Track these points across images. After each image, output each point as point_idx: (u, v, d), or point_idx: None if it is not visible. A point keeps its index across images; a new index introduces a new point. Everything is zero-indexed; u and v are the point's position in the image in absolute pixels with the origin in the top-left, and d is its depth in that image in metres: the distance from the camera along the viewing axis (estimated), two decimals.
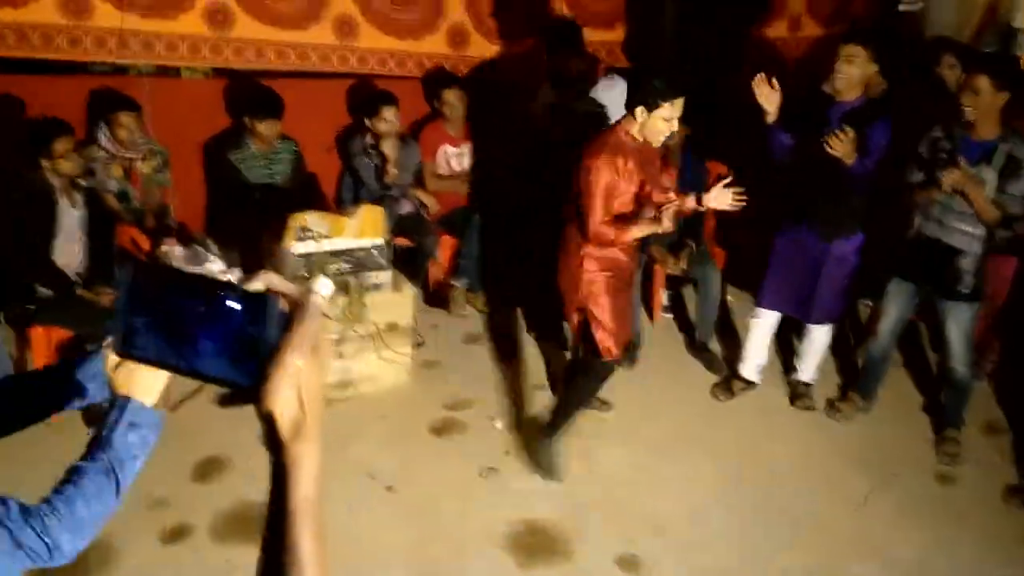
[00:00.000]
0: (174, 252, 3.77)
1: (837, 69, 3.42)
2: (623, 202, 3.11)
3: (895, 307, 3.74)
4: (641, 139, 3.07)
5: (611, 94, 4.05)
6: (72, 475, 1.28)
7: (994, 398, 4.22)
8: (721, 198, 3.17)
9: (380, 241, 3.93)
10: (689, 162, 4.31)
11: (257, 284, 0.78)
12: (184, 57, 4.48)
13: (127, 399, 1.18)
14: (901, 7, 5.80)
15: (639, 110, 2.99)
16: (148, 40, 4.35)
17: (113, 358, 1.18)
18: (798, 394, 4.07)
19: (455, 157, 4.82)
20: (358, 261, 3.91)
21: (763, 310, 3.93)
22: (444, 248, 4.74)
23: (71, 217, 3.60)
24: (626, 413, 3.91)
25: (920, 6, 5.78)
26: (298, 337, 0.75)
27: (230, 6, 4.49)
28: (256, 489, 3.22)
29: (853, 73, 3.40)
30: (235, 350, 0.78)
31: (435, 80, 4.87)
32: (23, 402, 1.39)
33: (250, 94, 4.48)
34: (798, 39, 6.08)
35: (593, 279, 3.21)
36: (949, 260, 3.44)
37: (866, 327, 4.44)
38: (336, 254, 3.84)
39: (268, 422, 0.76)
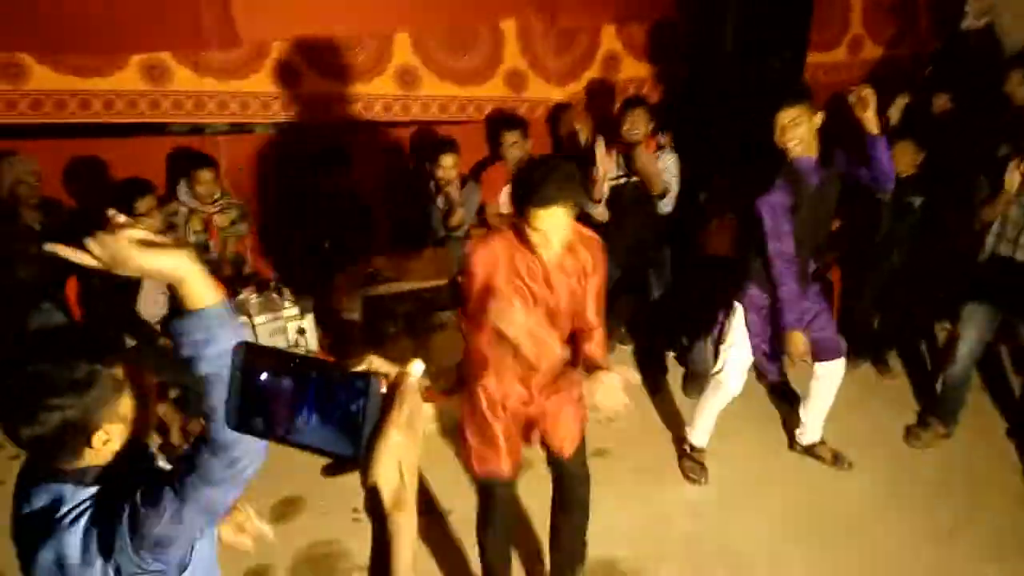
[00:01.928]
0: (250, 300, 3.93)
1: (788, 138, 3.12)
2: None
3: (973, 329, 3.63)
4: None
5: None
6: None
7: None
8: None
9: (445, 282, 4.02)
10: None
11: (360, 365, 0.87)
12: (256, 114, 4.72)
13: (204, 310, 1.24)
14: (965, 25, 5.69)
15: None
16: (223, 100, 4.61)
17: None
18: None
19: None
20: (425, 302, 4.00)
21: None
22: None
23: None
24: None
25: (986, 21, 5.66)
26: (398, 414, 0.83)
27: (297, 64, 4.72)
28: (329, 528, 3.31)
29: (802, 134, 3.13)
30: (339, 424, 0.85)
31: (495, 122, 4.99)
32: None
33: (317, 146, 4.66)
34: (859, 62, 6.02)
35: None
36: None
37: (944, 351, 4.30)
38: (404, 296, 3.95)
39: (372, 493, 0.83)
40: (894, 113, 5.06)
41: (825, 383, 3.57)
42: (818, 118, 3.13)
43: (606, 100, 5.46)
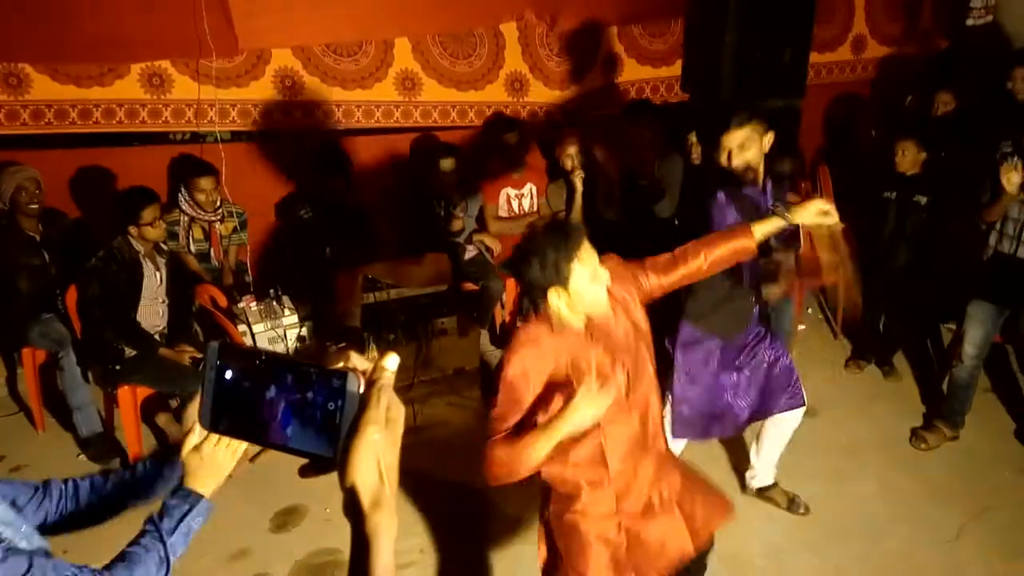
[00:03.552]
0: (250, 308, 3.93)
1: (734, 163, 2.84)
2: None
3: (978, 329, 3.59)
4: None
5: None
6: (126, 558, 1.38)
7: None
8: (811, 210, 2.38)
9: (445, 288, 4.00)
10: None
11: (337, 362, 0.85)
12: (257, 122, 4.73)
13: (199, 497, 1.34)
14: (969, 21, 5.65)
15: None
16: (223, 108, 4.61)
17: (190, 441, 1.35)
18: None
19: (516, 199, 4.89)
20: (425, 308, 3.99)
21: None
22: (509, 291, 4.79)
23: (155, 280, 3.80)
24: (699, 450, 3.83)
25: (989, 19, 5.61)
26: (374, 411, 0.81)
27: (298, 71, 4.72)
28: (331, 536, 3.31)
29: (750, 158, 2.85)
30: (317, 424, 0.83)
31: (494, 125, 4.97)
32: (114, 495, 1.52)
33: (317, 154, 4.66)
34: (863, 61, 5.98)
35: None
36: None
37: (949, 352, 4.25)
38: (403, 302, 3.93)
39: (350, 493, 0.81)
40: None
41: (779, 429, 3.23)
42: (767, 139, 2.84)
43: (608, 103, 5.45)
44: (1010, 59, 4.53)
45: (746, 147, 2.81)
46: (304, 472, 1.02)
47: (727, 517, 2.38)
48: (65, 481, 1.53)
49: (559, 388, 2.05)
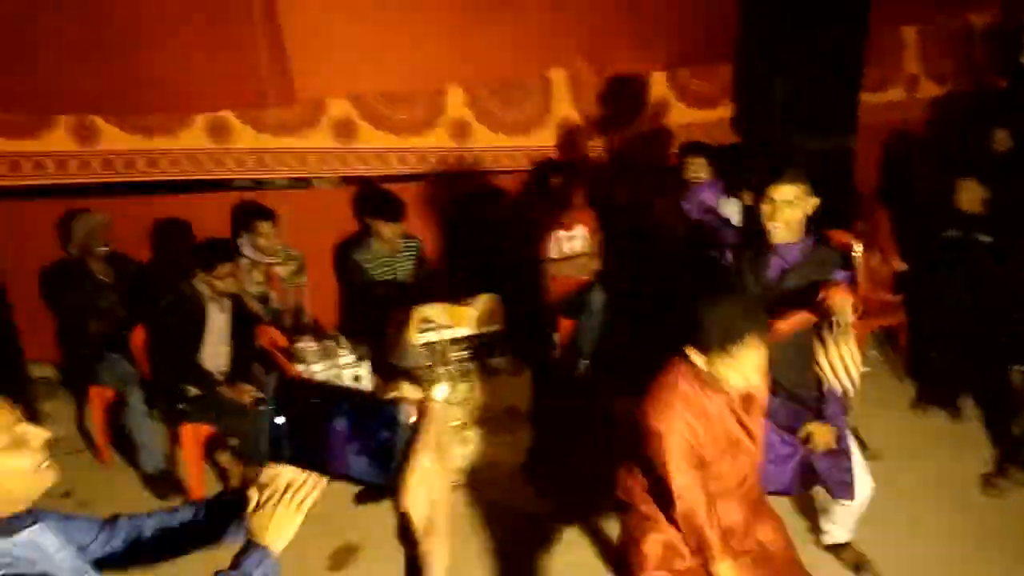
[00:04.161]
0: (309, 348, 3.99)
1: (776, 218, 2.72)
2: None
3: None
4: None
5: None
6: None
7: None
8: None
9: (497, 328, 4.02)
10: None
11: (389, 393, 0.87)
12: (314, 168, 4.86)
13: (267, 552, 1.21)
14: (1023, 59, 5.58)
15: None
16: (280, 156, 4.76)
17: (252, 499, 1.22)
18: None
19: (567, 241, 4.91)
20: (478, 348, 4.00)
21: None
22: (563, 331, 4.79)
23: (219, 321, 3.88)
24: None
25: None
26: (424, 440, 0.83)
27: (354, 120, 4.86)
28: (387, 573, 3.27)
29: (791, 217, 2.73)
30: (370, 453, 0.87)
31: (543, 169, 5.02)
32: (179, 535, 1.48)
33: (374, 198, 4.76)
34: (916, 100, 5.93)
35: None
36: None
37: (1019, 394, 4.11)
38: (456, 342, 3.96)
39: (403, 519, 0.83)
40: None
41: (850, 511, 3.11)
42: (812, 204, 2.75)
43: (658, 148, 5.48)
44: None
45: (794, 205, 2.71)
46: (360, 499, 1.04)
47: None
48: (131, 517, 1.52)
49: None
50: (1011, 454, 3.78)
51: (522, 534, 3.58)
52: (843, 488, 2.94)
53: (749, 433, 2.33)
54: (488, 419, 3.98)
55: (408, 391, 0.88)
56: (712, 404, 2.25)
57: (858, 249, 4.61)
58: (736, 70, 5.38)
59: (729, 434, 2.29)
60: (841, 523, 3.19)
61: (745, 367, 2.15)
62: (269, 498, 1.21)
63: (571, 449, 4.11)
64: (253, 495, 1.24)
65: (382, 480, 0.86)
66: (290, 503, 1.20)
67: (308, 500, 1.15)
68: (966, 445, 4.08)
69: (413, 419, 0.85)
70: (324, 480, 1.09)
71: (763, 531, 2.46)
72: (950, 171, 4.58)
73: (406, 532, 0.84)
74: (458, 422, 3.93)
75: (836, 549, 3.29)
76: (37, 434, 1.25)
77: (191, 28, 4.21)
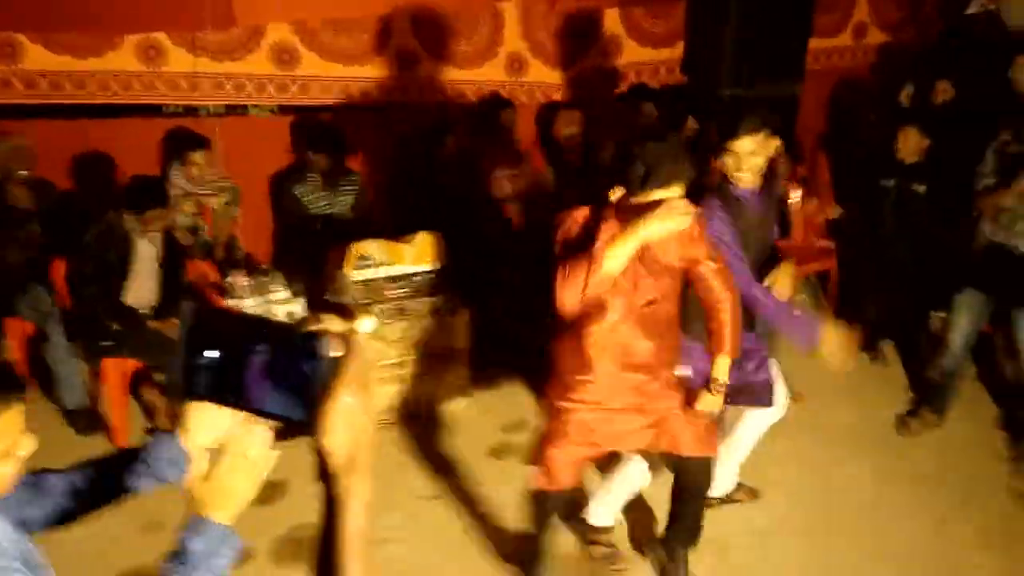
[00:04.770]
0: (241, 283, 3.91)
1: (742, 168, 2.74)
2: None
3: (966, 318, 3.59)
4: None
5: None
6: None
7: None
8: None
9: (437, 266, 3.99)
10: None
11: (311, 325, 0.83)
12: (251, 96, 4.70)
13: (218, 527, 1.08)
14: (971, 9, 5.61)
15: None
16: (218, 81, 4.59)
17: (195, 472, 1.10)
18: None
19: (509, 178, 4.86)
20: (416, 286, 3.98)
21: None
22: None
23: (147, 255, 3.77)
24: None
25: (992, 8, 5.57)
26: (347, 374, 0.80)
27: (295, 46, 4.69)
28: (313, 510, 3.29)
29: (756, 165, 2.75)
30: (290, 388, 0.83)
31: (489, 104, 4.93)
32: (99, 487, 1.40)
33: (313, 129, 4.63)
34: (864, 47, 5.95)
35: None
36: (1020, 268, 3.29)
37: (937, 339, 4.26)
38: (394, 280, 3.93)
39: (322, 456, 0.81)
40: (904, 99, 4.99)
41: (750, 431, 3.17)
42: (774, 147, 2.77)
43: (608, 85, 5.42)
44: (1011, 48, 4.49)
45: (756, 153, 2.73)
46: (279, 436, 1.00)
47: (703, 451, 2.65)
48: (60, 474, 1.41)
49: None
50: (925, 396, 3.92)
51: (452, 473, 3.64)
52: (766, 394, 2.99)
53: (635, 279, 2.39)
54: (426, 358, 3.99)
55: (332, 324, 0.84)
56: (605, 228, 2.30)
57: (795, 195, 4.67)
58: (688, 11, 5.30)
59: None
60: (731, 462, 3.23)
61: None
62: (216, 464, 1.07)
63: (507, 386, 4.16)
64: (197, 464, 1.11)
65: (303, 415, 0.83)
66: (243, 470, 1.06)
67: (264, 470, 1.05)
68: (886, 387, 4.24)
69: (336, 353, 0.82)
70: (275, 452, 1.05)
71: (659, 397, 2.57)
72: (892, 120, 4.63)
73: (325, 469, 0.81)
74: (394, 361, 3.94)
75: (730, 497, 3.37)
76: (29, 445, 1.20)
77: None
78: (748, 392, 2.95)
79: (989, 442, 3.80)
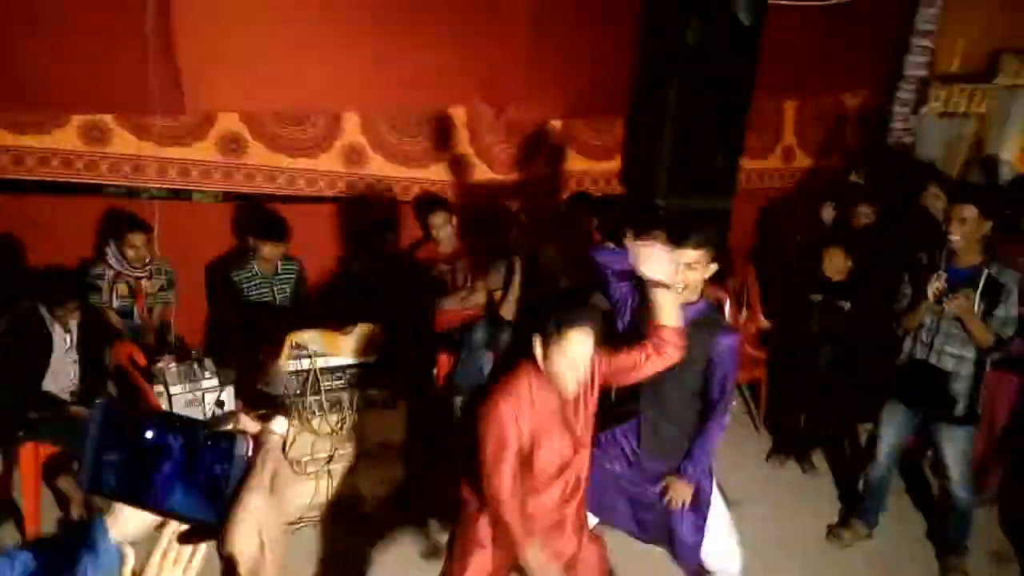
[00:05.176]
0: (170, 368, 3.80)
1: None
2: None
3: (892, 431, 3.70)
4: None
5: None
6: None
7: (999, 524, 4.10)
8: None
9: (373, 359, 3.95)
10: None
11: (226, 424, 0.82)
12: (196, 182, 4.68)
13: None
14: (890, 140, 6.03)
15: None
16: (162, 165, 4.56)
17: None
18: None
19: (449, 275, 4.90)
20: (352, 379, 3.92)
21: None
22: (441, 365, 4.76)
23: (64, 342, 3.67)
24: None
25: (910, 140, 6.00)
26: (257, 477, 0.78)
27: (244, 135, 4.72)
28: None
29: (692, 280, 2.84)
30: (202, 488, 0.80)
31: (423, 204, 5.00)
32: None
33: (257, 217, 4.62)
34: (792, 169, 6.30)
35: None
36: (941, 383, 3.43)
37: (866, 452, 4.36)
38: (331, 371, 3.86)
39: (227, 562, 0.78)
40: (825, 217, 5.27)
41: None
42: (712, 268, 2.86)
43: (552, 191, 5.58)
44: (923, 176, 4.83)
45: (693, 268, 2.80)
46: (184, 539, 0.92)
47: None
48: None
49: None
50: (855, 508, 3.98)
51: (375, 569, 3.51)
52: (688, 549, 2.97)
53: (575, 438, 2.54)
54: (361, 452, 3.90)
55: (246, 423, 0.83)
56: (545, 402, 2.44)
57: (726, 305, 4.81)
58: (627, 126, 5.55)
59: (553, 432, 2.48)
60: None
61: (573, 355, 2.34)
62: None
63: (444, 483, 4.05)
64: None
65: (212, 518, 0.80)
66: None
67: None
68: (818, 498, 4.29)
69: (249, 454, 0.80)
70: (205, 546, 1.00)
71: (587, 549, 2.68)
72: (818, 240, 4.87)
73: (232, 574, 0.78)
74: (326, 454, 3.83)
75: None
76: None
77: (77, 21, 3.99)
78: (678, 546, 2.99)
79: (918, 554, 3.86)
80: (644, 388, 2.88)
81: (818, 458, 4.64)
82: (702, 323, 2.83)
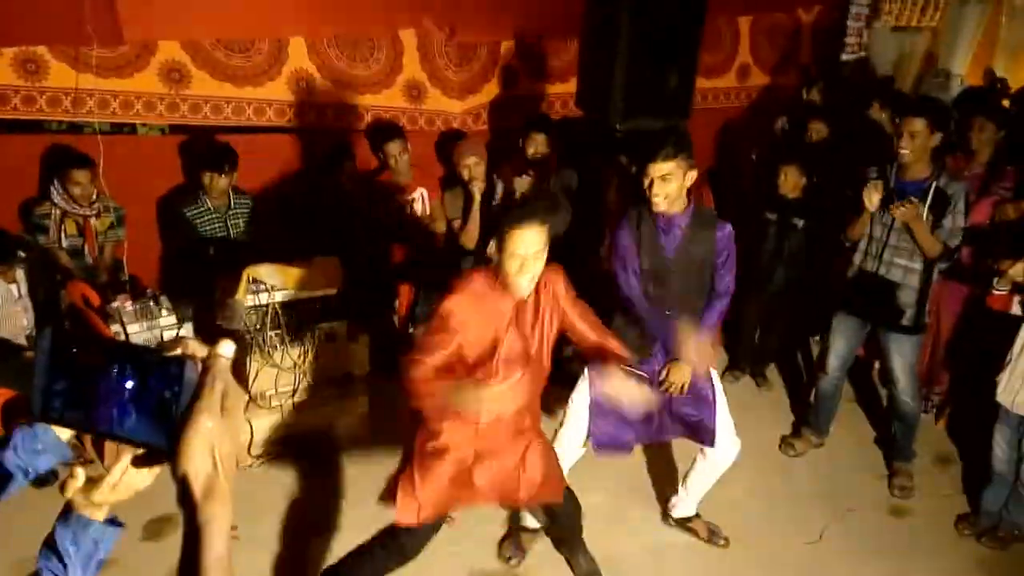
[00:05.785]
0: (125, 307, 3.75)
1: (654, 192, 2.88)
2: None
3: (841, 342, 3.81)
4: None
5: None
6: None
7: (945, 430, 4.29)
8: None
9: (333, 291, 3.94)
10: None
11: (176, 349, 0.82)
12: (139, 114, 4.53)
13: (87, 522, 1.13)
14: (844, 57, 6.03)
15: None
16: (103, 98, 4.40)
17: (78, 479, 1.10)
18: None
19: (408, 204, 4.86)
20: (312, 312, 3.91)
21: None
22: (402, 296, 4.77)
23: (12, 293, 3.60)
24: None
25: (862, 55, 6.01)
26: (208, 399, 0.79)
27: (186, 64, 4.56)
28: None
29: (670, 191, 2.88)
30: (152, 413, 0.82)
31: (378, 132, 4.91)
32: None
33: (206, 150, 4.50)
34: (747, 88, 6.28)
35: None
36: (889, 294, 3.53)
37: (816, 364, 4.50)
38: (289, 305, 3.84)
39: (182, 483, 0.79)
40: (777, 131, 5.29)
41: (711, 464, 3.23)
42: (691, 176, 2.89)
43: (507, 115, 5.51)
44: (870, 92, 4.86)
45: (668, 180, 2.83)
46: (139, 463, 0.97)
47: (555, 497, 2.81)
48: None
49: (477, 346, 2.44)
50: (806, 418, 4.13)
51: (342, 501, 3.57)
52: (705, 432, 3.11)
53: (527, 351, 2.52)
54: (321, 385, 3.92)
55: (195, 348, 0.83)
56: (495, 301, 2.45)
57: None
58: (581, 47, 5.47)
59: (503, 333, 2.47)
60: (695, 492, 3.35)
61: (515, 249, 2.33)
62: (100, 483, 1.09)
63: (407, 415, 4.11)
64: (74, 481, 1.11)
65: (163, 442, 0.81)
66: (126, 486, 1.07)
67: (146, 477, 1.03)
68: (771, 410, 4.45)
69: (197, 376, 0.81)
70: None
71: (531, 452, 2.69)
72: (773, 158, 4.90)
73: (185, 497, 0.79)
74: (288, 388, 3.85)
75: (686, 522, 3.47)
76: None
77: None
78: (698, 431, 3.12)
79: (865, 460, 4.04)
80: (655, 288, 3.03)
81: (771, 372, 4.78)
82: (698, 222, 2.99)
